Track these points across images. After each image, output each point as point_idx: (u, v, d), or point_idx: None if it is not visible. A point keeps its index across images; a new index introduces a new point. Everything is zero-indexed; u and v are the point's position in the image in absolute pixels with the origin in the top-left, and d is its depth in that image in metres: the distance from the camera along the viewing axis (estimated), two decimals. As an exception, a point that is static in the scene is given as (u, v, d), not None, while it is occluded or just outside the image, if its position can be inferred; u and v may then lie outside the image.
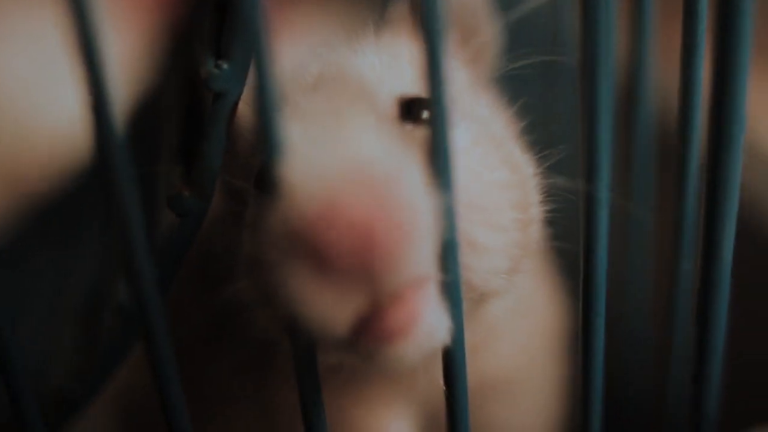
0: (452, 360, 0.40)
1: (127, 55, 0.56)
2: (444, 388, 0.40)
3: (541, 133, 0.45)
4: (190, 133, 0.38)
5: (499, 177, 0.41)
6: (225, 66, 0.37)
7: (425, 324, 0.37)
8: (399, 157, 0.36)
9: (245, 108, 0.36)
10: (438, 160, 0.36)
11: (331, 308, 0.35)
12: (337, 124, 0.38)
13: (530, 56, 0.43)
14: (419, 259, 0.36)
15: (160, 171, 0.40)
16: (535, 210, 0.43)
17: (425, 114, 0.39)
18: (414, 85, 0.41)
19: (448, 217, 0.36)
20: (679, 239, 0.47)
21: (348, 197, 0.34)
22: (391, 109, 0.40)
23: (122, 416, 0.50)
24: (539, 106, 0.41)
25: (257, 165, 0.36)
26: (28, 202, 0.58)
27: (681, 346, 0.50)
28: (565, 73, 0.38)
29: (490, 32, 0.44)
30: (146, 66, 0.53)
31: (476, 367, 0.42)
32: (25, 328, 0.41)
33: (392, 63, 0.39)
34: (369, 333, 0.37)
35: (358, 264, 0.35)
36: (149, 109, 0.45)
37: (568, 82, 0.38)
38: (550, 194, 0.43)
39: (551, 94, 0.40)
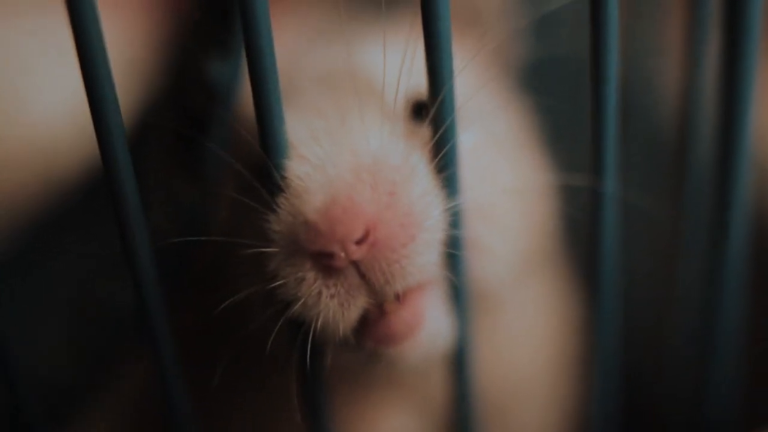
0: (459, 364, 0.40)
1: (125, 52, 0.55)
2: (448, 391, 0.40)
3: (556, 135, 0.44)
4: (192, 130, 0.38)
5: (507, 181, 0.41)
6: (225, 62, 0.36)
7: (429, 327, 0.37)
8: (406, 157, 0.36)
9: (248, 105, 0.35)
10: (443, 161, 0.36)
11: (335, 308, 0.35)
12: (344, 121, 0.37)
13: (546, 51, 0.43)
14: (424, 262, 0.35)
15: (159, 169, 0.40)
16: (546, 216, 0.43)
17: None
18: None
19: (454, 220, 0.36)
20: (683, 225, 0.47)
21: (354, 197, 0.34)
22: (402, 108, 0.39)
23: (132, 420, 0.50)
24: (556, 107, 0.41)
25: (262, 162, 0.36)
26: (23, 199, 0.57)
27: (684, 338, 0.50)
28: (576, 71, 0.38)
29: (505, 29, 0.43)
30: (144, 63, 0.52)
31: (485, 375, 0.41)
32: (24, 322, 0.41)
33: (406, 61, 0.39)
34: (373, 334, 0.36)
35: (362, 264, 0.34)
36: (149, 107, 0.45)
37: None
38: (564, 200, 0.43)
39: (566, 93, 0.40)
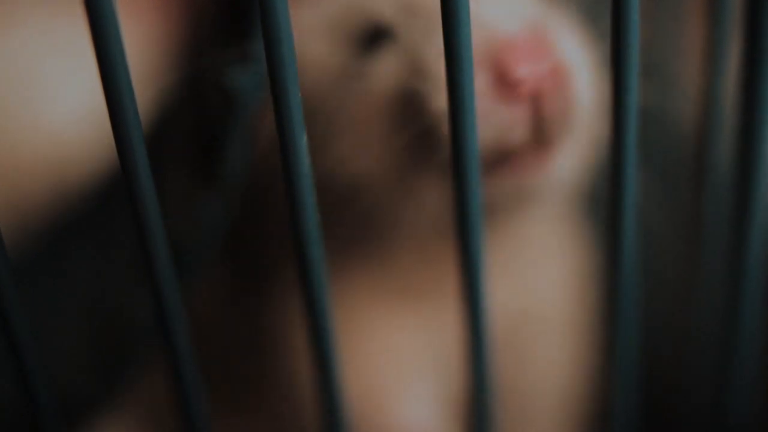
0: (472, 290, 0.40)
1: (143, 57, 0.55)
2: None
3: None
4: (211, 138, 0.38)
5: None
6: (248, 68, 0.36)
7: (555, 167, 0.41)
8: (561, 22, 0.40)
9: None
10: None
11: (499, 122, 0.39)
12: None
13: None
14: (569, 113, 0.40)
15: (176, 174, 0.40)
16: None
17: None
18: None
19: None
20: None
21: (525, 41, 0.38)
22: None
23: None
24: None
25: None
26: (37, 205, 0.57)
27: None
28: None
29: None
30: (162, 67, 0.52)
31: (501, 304, 0.43)
32: (42, 329, 0.41)
33: None
34: (505, 163, 0.40)
35: (525, 101, 0.39)
36: (166, 113, 0.45)
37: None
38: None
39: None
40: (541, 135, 0.40)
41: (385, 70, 0.40)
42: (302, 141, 0.34)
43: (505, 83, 0.38)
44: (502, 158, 0.40)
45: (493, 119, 0.39)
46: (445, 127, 0.37)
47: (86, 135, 0.59)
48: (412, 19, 0.41)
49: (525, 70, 0.38)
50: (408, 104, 0.40)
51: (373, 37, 0.41)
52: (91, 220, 0.53)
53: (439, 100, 0.39)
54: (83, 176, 0.56)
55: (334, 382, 0.39)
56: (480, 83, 0.38)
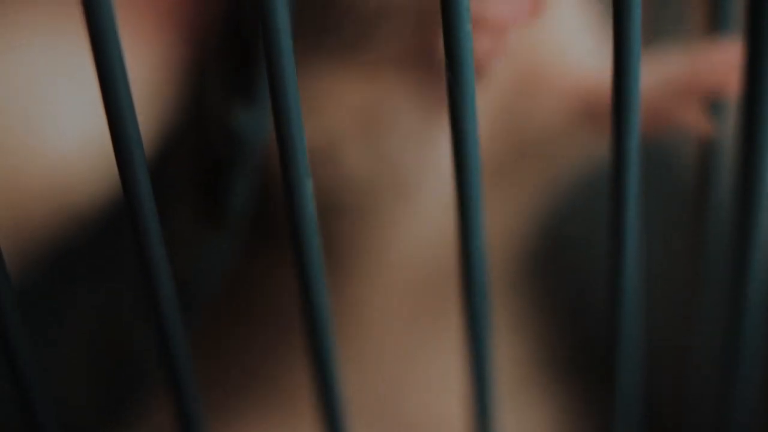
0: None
1: (145, 85, 0.55)
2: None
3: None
4: (215, 176, 0.38)
5: None
6: (250, 109, 0.36)
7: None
8: None
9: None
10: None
11: None
12: None
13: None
14: None
15: (179, 211, 0.40)
16: None
17: None
18: None
19: None
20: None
21: None
22: None
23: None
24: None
25: None
26: (40, 230, 0.57)
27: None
28: None
29: None
30: (166, 96, 0.52)
31: None
32: (45, 353, 0.41)
33: None
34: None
35: None
36: (169, 148, 0.45)
37: None
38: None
39: None
40: None
41: None
42: (308, 185, 0.34)
43: None
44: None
45: None
46: None
47: (90, 160, 0.59)
48: None
49: None
50: None
51: None
52: (94, 245, 0.53)
53: None
54: (87, 201, 0.56)
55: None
56: None
